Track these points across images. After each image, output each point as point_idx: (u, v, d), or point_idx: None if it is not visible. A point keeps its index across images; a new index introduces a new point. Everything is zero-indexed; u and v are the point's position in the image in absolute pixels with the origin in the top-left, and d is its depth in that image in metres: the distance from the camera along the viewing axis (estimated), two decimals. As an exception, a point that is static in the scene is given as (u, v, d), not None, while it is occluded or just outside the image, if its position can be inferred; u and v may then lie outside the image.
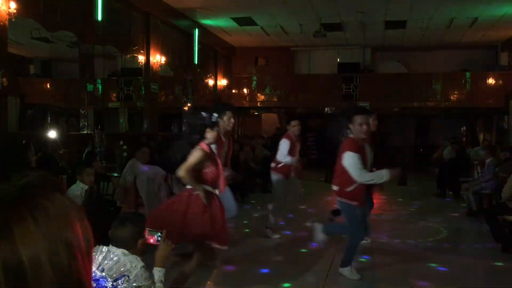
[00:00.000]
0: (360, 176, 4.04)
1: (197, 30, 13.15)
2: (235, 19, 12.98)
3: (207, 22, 13.25)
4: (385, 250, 5.44)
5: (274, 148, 6.35)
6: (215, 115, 4.03)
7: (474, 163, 9.24)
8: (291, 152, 5.68)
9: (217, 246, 3.74)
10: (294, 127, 5.82)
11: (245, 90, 16.76)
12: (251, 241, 5.94)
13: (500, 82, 14.84)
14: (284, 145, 5.74)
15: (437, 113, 16.24)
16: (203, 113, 3.88)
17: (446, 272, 4.72)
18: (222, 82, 16.07)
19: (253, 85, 16.64)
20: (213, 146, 3.83)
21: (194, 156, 3.60)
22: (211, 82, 15.26)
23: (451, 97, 15.01)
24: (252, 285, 4.32)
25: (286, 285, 4.31)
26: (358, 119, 4.12)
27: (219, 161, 3.83)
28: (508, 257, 5.22)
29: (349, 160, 4.07)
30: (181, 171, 3.61)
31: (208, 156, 3.68)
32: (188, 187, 3.71)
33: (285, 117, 17.20)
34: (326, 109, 16.19)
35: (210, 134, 3.72)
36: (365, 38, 15.04)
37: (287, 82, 16.53)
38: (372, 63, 16.56)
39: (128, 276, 2.40)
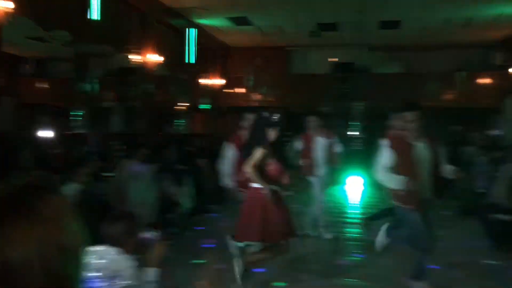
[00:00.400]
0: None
1: (193, 29, 13.14)
2: (230, 19, 12.99)
3: (203, 21, 13.25)
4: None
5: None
6: (277, 115, 4.13)
7: (468, 162, 9.28)
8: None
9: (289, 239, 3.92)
10: (309, 122, 5.88)
11: (241, 90, 16.77)
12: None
13: (494, 82, 14.93)
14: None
15: (433, 113, 16.30)
16: (264, 113, 4.05)
17: (438, 270, 4.76)
18: (218, 81, 16.08)
19: (249, 85, 16.66)
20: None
21: (258, 152, 3.75)
22: (207, 81, 15.27)
23: (447, 97, 15.08)
24: (247, 283, 4.34)
25: (282, 284, 4.33)
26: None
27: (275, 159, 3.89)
28: (500, 255, 5.27)
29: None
30: (247, 167, 3.77)
31: (270, 154, 3.78)
32: (254, 185, 3.82)
33: (282, 116, 17.26)
34: (321, 108, 16.22)
35: (271, 134, 3.84)
36: (360, 38, 15.08)
37: (283, 81, 16.55)
38: (367, 63, 16.59)
39: (122, 276, 2.40)
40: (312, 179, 5.95)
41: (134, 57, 10.72)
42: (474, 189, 7.74)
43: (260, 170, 3.77)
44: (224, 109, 16.50)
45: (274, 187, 3.81)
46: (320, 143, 5.92)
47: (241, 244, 3.92)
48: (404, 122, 3.63)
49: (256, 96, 16.65)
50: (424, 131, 3.96)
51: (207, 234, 6.10)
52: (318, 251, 5.52)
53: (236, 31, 14.37)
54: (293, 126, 6.36)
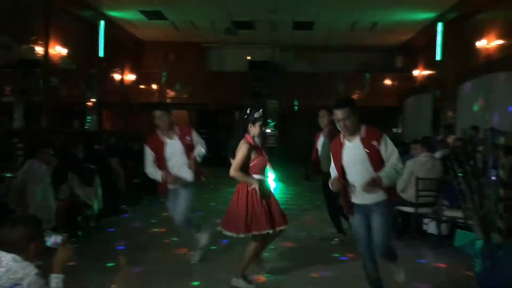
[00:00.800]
0: None
1: (102, 21, 12.55)
2: (143, 12, 12.60)
3: (113, 14, 12.70)
4: (291, 242, 5.62)
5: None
6: (259, 111, 4.18)
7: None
8: None
9: (280, 228, 4.08)
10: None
11: (154, 86, 16.36)
12: (159, 242, 5.81)
13: (395, 83, 16.09)
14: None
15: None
16: (248, 110, 4.20)
17: (348, 261, 5.00)
18: (130, 77, 15.53)
19: (162, 81, 16.30)
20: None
21: (240, 152, 4.01)
22: (117, 76, 14.67)
23: (354, 97, 15.95)
24: (160, 285, 4.23)
25: (195, 283, 4.28)
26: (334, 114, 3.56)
27: (263, 151, 4.17)
28: (402, 244, 5.66)
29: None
30: (232, 171, 4.02)
31: (254, 147, 4.06)
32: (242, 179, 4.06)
33: (195, 113, 17.11)
34: (236, 106, 16.35)
35: (252, 129, 4.08)
36: (275, 37, 15.42)
37: (197, 78, 16.41)
38: (281, 62, 17.01)
39: (21, 285, 2.23)
40: None
41: (36, 49, 9.99)
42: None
43: (245, 167, 4.03)
44: (136, 105, 15.97)
45: (261, 178, 4.07)
46: None
47: (229, 233, 4.08)
48: (336, 119, 3.51)
49: (170, 93, 16.35)
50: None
51: (118, 235, 5.85)
52: (228, 248, 5.53)
53: (150, 25, 13.97)
54: (208, 123, 6.29)
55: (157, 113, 4.57)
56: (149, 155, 4.61)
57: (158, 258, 5.01)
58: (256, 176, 4.06)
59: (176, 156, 4.58)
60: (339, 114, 3.42)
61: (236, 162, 4.02)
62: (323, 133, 5.64)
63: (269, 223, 3.98)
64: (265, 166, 4.21)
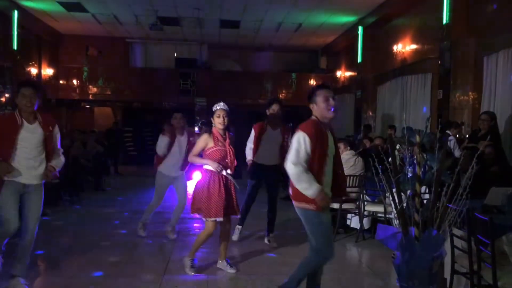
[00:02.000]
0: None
1: (16, 11, 11.70)
2: (62, 4, 11.92)
3: (28, 4, 11.89)
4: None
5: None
6: (220, 104, 4.39)
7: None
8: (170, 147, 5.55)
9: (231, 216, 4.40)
10: (175, 119, 5.57)
11: (74, 82, 15.58)
12: (83, 244, 5.53)
13: (320, 83, 16.62)
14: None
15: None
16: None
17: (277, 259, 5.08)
18: (48, 71, 14.64)
19: (84, 76, 15.56)
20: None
21: (199, 140, 4.36)
22: (34, 70, 13.77)
23: (280, 95, 16.27)
24: (83, 291, 4.04)
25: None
26: (321, 93, 3.47)
27: (228, 144, 4.32)
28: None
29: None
30: (189, 157, 4.44)
31: (214, 138, 4.30)
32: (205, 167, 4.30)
33: (120, 111, 16.53)
34: (164, 103, 16.03)
35: (213, 120, 4.35)
36: (202, 35, 15.31)
37: (122, 74, 15.86)
38: (209, 60, 16.93)
39: None
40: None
41: None
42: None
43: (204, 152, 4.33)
44: (53, 101, 15.09)
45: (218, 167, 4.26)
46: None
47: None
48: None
49: (92, 89, 15.64)
50: None
51: (37, 239, 5.49)
52: (155, 249, 5.41)
53: (69, 17, 13.26)
54: (134, 121, 6.10)
55: (27, 91, 3.78)
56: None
57: (82, 261, 4.77)
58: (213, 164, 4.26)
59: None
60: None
61: (194, 148, 4.37)
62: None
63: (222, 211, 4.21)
64: (225, 156, 4.30)
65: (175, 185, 5.66)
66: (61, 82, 15.47)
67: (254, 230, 6.02)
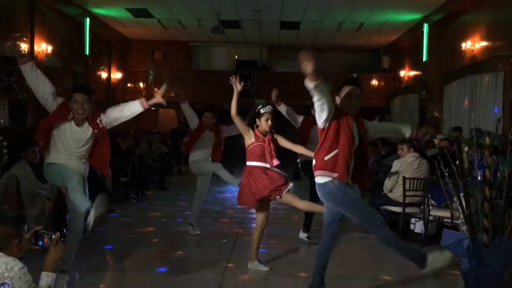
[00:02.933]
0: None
1: (88, 19, 12.42)
2: (130, 10, 12.50)
3: (99, 11, 12.58)
4: (281, 241, 5.64)
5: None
6: (266, 106, 4.58)
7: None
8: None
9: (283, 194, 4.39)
10: (206, 118, 6.12)
11: (141, 85, 16.26)
12: (148, 241, 5.78)
13: (382, 83, 16.23)
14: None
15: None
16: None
17: (335, 260, 5.02)
18: (117, 75, 15.41)
19: (150, 80, 16.20)
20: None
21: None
22: (104, 74, 14.55)
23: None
24: (149, 285, 4.21)
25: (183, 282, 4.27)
26: (346, 89, 3.67)
27: (267, 141, 4.45)
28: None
29: None
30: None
31: (256, 136, 4.48)
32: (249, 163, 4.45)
33: (183, 112, 17.04)
34: (224, 105, 16.31)
35: (258, 122, 4.53)
36: (262, 36, 15.44)
37: (185, 77, 16.34)
38: (268, 62, 17.03)
39: (8, 284, 2.23)
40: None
41: (21, 46, 9.85)
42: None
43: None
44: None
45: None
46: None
47: None
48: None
49: (157, 91, 16.22)
50: None
51: (106, 235, 5.80)
52: (216, 247, 5.53)
53: (136, 23, 13.88)
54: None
55: (79, 96, 3.91)
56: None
57: (147, 257, 4.98)
58: (253, 163, 4.41)
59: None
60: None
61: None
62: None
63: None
64: (264, 152, 4.41)
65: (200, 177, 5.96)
66: (128, 85, 16.20)
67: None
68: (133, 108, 4.09)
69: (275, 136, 4.58)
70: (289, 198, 4.41)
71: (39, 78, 4.01)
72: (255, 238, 4.55)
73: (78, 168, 3.93)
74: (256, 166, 4.42)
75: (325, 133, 3.40)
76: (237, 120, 4.51)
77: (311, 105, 5.80)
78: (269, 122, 4.47)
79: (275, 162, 4.44)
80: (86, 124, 3.95)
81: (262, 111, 4.52)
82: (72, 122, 3.91)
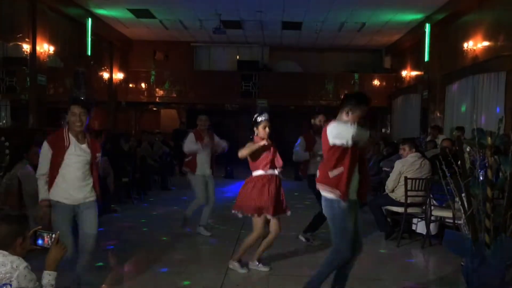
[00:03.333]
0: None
1: (90, 19, 12.44)
2: (131, 11, 12.51)
3: (101, 11, 12.60)
4: (281, 241, 5.63)
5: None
6: (263, 114, 4.56)
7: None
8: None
9: (278, 216, 4.47)
10: (200, 121, 6.02)
11: (143, 85, 16.27)
12: (151, 240, 5.78)
13: (384, 83, 16.21)
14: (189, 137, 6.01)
15: (330, 111, 17.25)
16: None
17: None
18: (118, 75, 15.43)
19: (151, 80, 16.22)
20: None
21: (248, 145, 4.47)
22: (106, 75, 14.57)
23: (342, 96, 15.98)
24: (151, 285, 4.21)
25: (185, 283, 4.27)
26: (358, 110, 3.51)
27: (272, 150, 4.48)
28: (391, 244, 5.72)
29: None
30: (239, 154, 4.39)
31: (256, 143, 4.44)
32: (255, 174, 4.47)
33: (184, 113, 17.06)
34: (226, 105, 16.34)
35: (256, 130, 4.53)
36: (264, 37, 15.44)
37: (187, 77, 16.36)
38: (270, 62, 17.04)
39: (10, 285, 2.24)
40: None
41: (23, 47, 9.88)
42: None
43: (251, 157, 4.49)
44: (123, 104, 15.87)
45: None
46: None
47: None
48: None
49: (159, 92, 16.27)
50: None
51: (108, 235, 5.81)
52: (218, 247, 5.53)
53: (138, 23, 13.90)
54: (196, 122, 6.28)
55: (76, 109, 3.72)
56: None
57: (149, 257, 4.98)
58: (260, 172, 4.43)
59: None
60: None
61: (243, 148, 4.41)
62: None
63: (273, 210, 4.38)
64: (270, 161, 4.45)
65: (206, 184, 5.93)
66: (130, 85, 16.22)
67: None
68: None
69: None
70: (275, 223, 4.49)
71: None
72: (252, 240, 4.56)
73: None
74: (264, 176, 4.43)
75: (333, 149, 3.41)
76: (242, 155, 4.44)
77: (313, 107, 5.84)
78: (267, 129, 4.50)
79: (281, 162, 4.52)
80: (86, 144, 3.80)
81: (259, 119, 4.53)
82: (73, 143, 3.73)
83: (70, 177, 3.69)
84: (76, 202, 3.73)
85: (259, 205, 4.37)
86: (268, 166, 4.45)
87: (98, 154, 3.91)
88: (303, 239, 5.71)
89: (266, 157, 4.45)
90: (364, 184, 3.56)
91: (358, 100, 3.49)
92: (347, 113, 3.46)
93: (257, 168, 4.47)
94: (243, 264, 4.60)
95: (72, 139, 3.72)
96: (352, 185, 3.42)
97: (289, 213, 4.59)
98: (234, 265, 4.58)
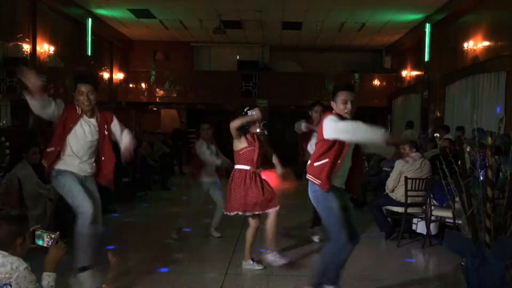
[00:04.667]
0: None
1: (90, 19, 12.45)
2: (132, 11, 12.51)
3: (101, 12, 12.60)
4: (282, 241, 5.63)
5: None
6: (254, 108, 4.57)
7: (363, 158, 9.91)
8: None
9: (270, 210, 4.50)
10: (203, 130, 5.86)
11: (143, 85, 16.28)
12: (151, 241, 5.78)
13: (384, 83, 16.21)
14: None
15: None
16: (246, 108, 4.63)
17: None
18: (119, 75, 15.43)
19: (151, 80, 16.22)
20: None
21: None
22: (106, 75, 14.56)
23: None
24: (151, 285, 4.21)
25: (185, 283, 4.27)
26: (341, 95, 3.52)
27: (257, 144, 4.54)
28: (391, 244, 5.72)
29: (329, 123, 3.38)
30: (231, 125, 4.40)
31: (248, 140, 4.53)
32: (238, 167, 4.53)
33: (184, 113, 17.07)
34: (226, 105, 16.33)
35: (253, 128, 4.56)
36: (264, 37, 15.44)
37: (187, 77, 16.36)
38: (270, 62, 17.04)
39: (9, 285, 2.22)
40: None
41: (23, 47, 9.88)
42: (367, 183, 8.28)
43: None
44: (123, 104, 15.87)
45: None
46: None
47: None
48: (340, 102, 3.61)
49: (159, 92, 16.27)
50: None
51: (109, 235, 5.81)
52: (218, 246, 5.53)
53: (138, 23, 13.89)
54: (198, 123, 6.28)
55: (84, 87, 3.70)
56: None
57: (149, 257, 4.98)
58: (243, 167, 4.50)
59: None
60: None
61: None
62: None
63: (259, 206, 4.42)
64: (254, 157, 4.50)
65: (212, 189, 5.78)
66: (130, 85, 16.22)
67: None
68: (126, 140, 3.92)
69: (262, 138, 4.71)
70: (272, 219, 4.54)
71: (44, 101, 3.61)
72: (248, 238, 4.60)
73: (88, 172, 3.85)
74: (247, 170, 4.49)
75: (322, 141, 3.46)
76: (234, 125, 4.45)
77: (312, 105, 5.85)
78: (257, 124, 4.59)
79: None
80: (95, 119, 3.79)
81: (249, 112, 4.56)
82: (83, 118, 3.73)
83: (77, 149, 3.69)
84: (83, 172, 3.76)
85: (246, 203, 4.41)
86: (249, 161, 4.50)
87: (112, 124, 3.84)
88: (316, 239, 5.64)
89: (250, 151, 4.50)
90: (355, 175, 3.59)
91: (350, 87, 3.59)
92: (332, 102, 3.56)
93: (238, 162, 4.54)
94: (257, 261, 4.63)
95: (83, 114, 3.72)
96: (339, 176, 3.46)
97: (271, 210, 4.51)
98: (249, 264, 4.60)
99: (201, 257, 5.09)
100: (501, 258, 2.65)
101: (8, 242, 2.30)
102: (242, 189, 4.44)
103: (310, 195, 3.60)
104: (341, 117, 3.43)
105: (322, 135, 3.42)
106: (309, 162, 3.62)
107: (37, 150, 5.27)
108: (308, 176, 3.58)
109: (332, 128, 3.30)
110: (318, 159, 3.47)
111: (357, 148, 3.55)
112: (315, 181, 3.48)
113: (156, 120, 17.62)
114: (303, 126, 5.70)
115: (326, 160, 3.41)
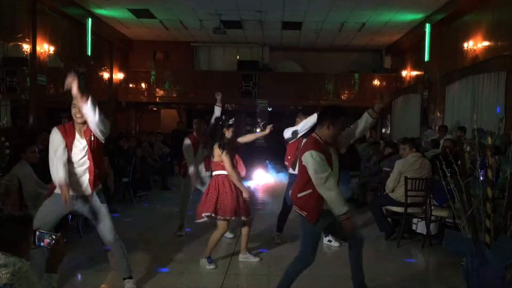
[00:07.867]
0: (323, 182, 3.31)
1: (90, 19, 12.45)
2: (132, 11, 12.51)
3: (101, 12, 12.60)
4: (282, 242, 5.63)
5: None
6: (232, 119, 4.89)
7: (363, 158, 9.92)
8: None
9: (243, 218, 4.70)
10: (195, 124, 5.99)
11: (143, 85, 16.28)
12: (151, 240, 5.78)
13: (384, 83, 16.21)
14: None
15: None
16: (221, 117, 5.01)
17: (335, 260, 5.02)
18: (118, 75, 15.43)
19: (151, 80, 16.22)
20: None
21: (225, 156, 4.66)
22: (106, 75, 14.57)
23: (342, 96, 16.04)
24: (151, 286, 4.21)
25: (185, 283, 4.27)
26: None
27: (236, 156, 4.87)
28: (391, 244, 5.72)
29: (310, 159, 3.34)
30: (229, 170, 4.65)
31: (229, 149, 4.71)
32: (216, 173, 4.76)
33: (184, 113, 17.07)
34: (226, 105, 16.33)
35: (226, 132, 4.77)
36: (264, 37, 15.44)
37: (187, 77, 16.36)
38: (270, 62, 17.04)
39: (12, 284, 2.22)
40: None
41: (23, 47, 9.87)
42: (367, 183, 8.29)
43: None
44: (123, 104, 15.87)
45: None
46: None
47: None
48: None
49: (159, 92, 16.27)
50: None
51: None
52: (218, 246, 5.53)
53: (138, 23, 13.89)
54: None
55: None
56: None
57: (149, 257, 4.98)
58: (223, 172, 4.70)
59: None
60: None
61: (229, 163, 4.64)
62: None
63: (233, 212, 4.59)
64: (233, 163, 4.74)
65: (201, 187, 5.80)
66: (130, 85, 16.22)
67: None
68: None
69: (238, 140, 4.98)
70: (246, 229, 4.86)
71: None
72: (243, 236, 4.88)
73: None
74: (226, 176, 4.69)
75: (304, 170, 3.41)
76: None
77: (314, 107, 5.85)
78: (232, 134, 4.80)
79: (243, 170, 5.04)
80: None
81: (231, 122, 4.86)
82: (77, 138, 3.72)
83: (73, 171, 3.72)
84: (78, 193, 3.78)
85: (221, 207, 4.60)
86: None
87: (90, 136, 3.72)
88: (338, 244, 5.57)
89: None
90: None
91: (338, 113, 3.49)
92: (328, 127, 3.44)
93: (218, 169, 4.73)
94: (254, 254, 4.96)
95: (76, 134, 3.71)
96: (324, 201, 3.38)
97: (245, 218, 4.71)
98: (246, 257, 4.90)
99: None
100: (501, 258, 2.65)
101: (11, 243, 2.28)
102: (217, 194, 4.62)
103: (299, 218, 3.56)
104: (326, 144, 3.44)
105: (302, 163, 3.41)
106: (294, 188, 3.58)
107: (35, 149, 5.27)
108: (295, 208, 3.56)
109: (311, 171, 3.31)
110: (302, 189, 3.44)
111: (340, 162, 3.57)
112: (301, 213, 3.45)
113: (156, 120, 17.63)
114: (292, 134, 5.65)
115: (310, 191, 3.37)
